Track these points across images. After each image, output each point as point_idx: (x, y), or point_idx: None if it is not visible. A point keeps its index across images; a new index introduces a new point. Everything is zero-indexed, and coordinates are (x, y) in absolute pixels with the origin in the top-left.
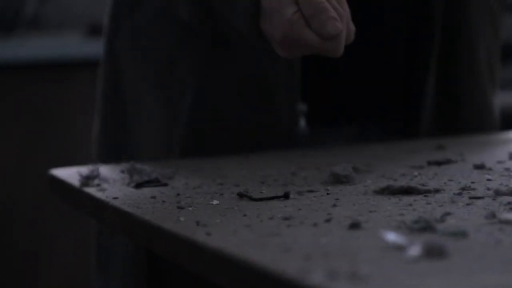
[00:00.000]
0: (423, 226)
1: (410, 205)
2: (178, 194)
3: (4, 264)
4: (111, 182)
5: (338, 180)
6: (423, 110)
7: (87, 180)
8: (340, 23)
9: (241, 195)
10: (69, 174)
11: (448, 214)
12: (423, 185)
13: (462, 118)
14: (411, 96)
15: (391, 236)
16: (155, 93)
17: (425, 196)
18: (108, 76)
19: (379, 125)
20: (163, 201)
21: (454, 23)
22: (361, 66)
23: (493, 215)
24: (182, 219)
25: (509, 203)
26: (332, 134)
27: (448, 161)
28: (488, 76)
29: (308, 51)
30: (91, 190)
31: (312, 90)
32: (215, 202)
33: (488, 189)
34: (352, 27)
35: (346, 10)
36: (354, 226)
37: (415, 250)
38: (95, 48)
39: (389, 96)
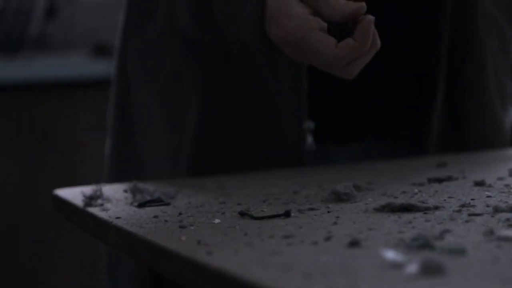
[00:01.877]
0: (422, 244)
1: (410, 222)
2: (180, 213)
3: (7, 283)
4: (114, 201)
5: (339, 198)
6: (431, 128)
7: (90, 200)
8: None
9: (242, 214)
10: (73, 194)
11: (447, 231)
12: (423, 202)
13: (471, 136)
14: (419, 114)
15: (390, 254)
16: (161, 111)
17: (425, 213)
18: (119, 95)
19: (386, 143)
20: (165, 221)
21: (462, 40)
22: (369, 84)
23: (491, 232)
24: (183, 238)
25: (507, 219)
26: (339, 152)
27: (448, 178)
28: (498, 93)
29: (312, 57)
30: (94, 210)
31: (319, 107)
32: (216, 221)
33: (488, 206)
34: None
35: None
36: (354, 244)
37: (413, 268)
38: (100, 67)
39: (396, 114)
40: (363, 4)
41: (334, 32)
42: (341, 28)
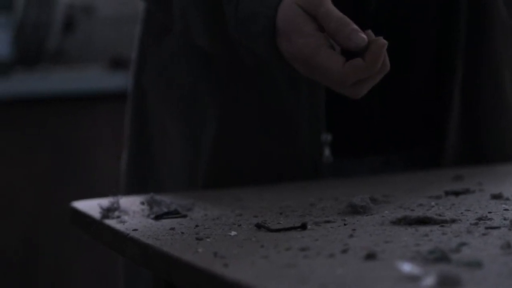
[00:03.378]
0: (439, 257)
1: (426, 235)
2: (196, 226)
3: None
4: (131, 214)
5: (356, 210)
6: (448, 141)
7: (107, 212)
8: (364, 34)
9: (259, 226)
10: (90, 206)
11: (463, 244)
12: (439, 215)
13: (487, 148)
14: (435, 127)
15: (406, 267)
16: (178, 125)
17: (442, 226)
18: (135, 109)
19: (403, 156)
20: (182, 233)
21: (478, 52)
22: (386, 97)
23: (508, 245)
24: (200, 250)
25: None
26: (356, 165)
27: (465, 191)
28: None
29: (319, 75)
30: (111, 222)
31: (337, 120)
32: (233, 233)
33: (505, 219)
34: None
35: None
36: (370, 256)
37: (430, 281)
38: (117, 81)
39: (413, 127)
40: (381, 40)
41: (344, 51)
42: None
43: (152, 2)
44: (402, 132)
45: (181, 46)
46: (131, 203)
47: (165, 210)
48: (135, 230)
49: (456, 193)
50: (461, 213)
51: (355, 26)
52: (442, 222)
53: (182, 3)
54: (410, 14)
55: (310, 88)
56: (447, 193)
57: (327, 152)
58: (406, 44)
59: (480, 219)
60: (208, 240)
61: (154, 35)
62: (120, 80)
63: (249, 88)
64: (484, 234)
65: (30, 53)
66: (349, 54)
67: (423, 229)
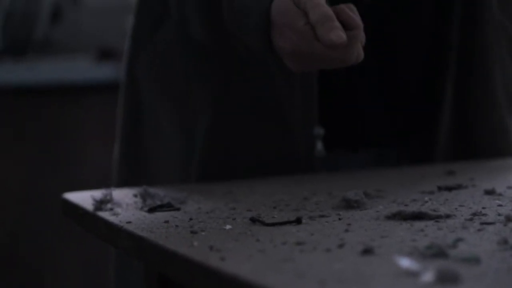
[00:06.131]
0: (436, 252)
1: (422, 230)
2: (191, 219)
3: (12, 286)
4: (124, 206)
5: (350, 205)
6: (439, 135)
7: (100, 204)
8: (344, 33)
9: (253, 220)
10: (82, 198)
11: (460, 239)
12: (434, 210)
13: (478, 144)
14: (427, 122)
15: (405, 262)
16: (171, 117)
17: (437, 221)
18: (128, 100)
19: (395, 150)
20: (176, 226)
21: (470, 48)
22: (379, 92)
23: (505, 241)
24: (195, 244)
25: None
26: (349, 159)
27: (458, 187)
28: (505, 100)
29: (318, 63)
30: (104, 215)
31: (329, 114)
32: (228, 227)
33: (499, 214)
34: (363, 37)
35: (359, 21)
36: (367, 251)
37: (428, 276)
38: (104, 71)
39: (405, 121)
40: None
41: None
42: None
43: None
44: (394, 126)
45: (175, 38)
46: (124, 195)
47: (159, 203)
48: (129, 222)
49: (449, 189)
50: (455, 208)
51: (337, 24)
52: (437, 218)
53: None
54: (403, 11)
55: (303, 82)
56: (440, 188)
57: (319, 145)
58: (399, 41)
59: (474, 214)
60: (203, 233)
61: (148, 27)
62: (108, 71)
63: (242, 81)
64: (479, 230)
65: (17, 43)
66: None
67: (418, 224)
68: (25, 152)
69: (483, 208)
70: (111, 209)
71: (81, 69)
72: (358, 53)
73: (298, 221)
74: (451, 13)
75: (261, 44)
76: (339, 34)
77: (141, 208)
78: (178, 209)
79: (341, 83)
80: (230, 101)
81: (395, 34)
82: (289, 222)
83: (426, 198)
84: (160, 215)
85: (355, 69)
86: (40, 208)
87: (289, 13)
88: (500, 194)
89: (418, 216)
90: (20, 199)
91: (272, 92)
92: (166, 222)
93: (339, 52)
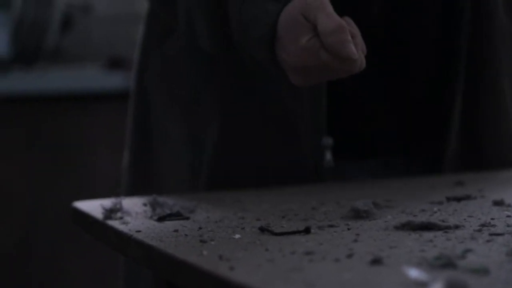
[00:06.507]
0: (445, 263)
1: (431, 241)
2: (200, 228)
3: None
4: (133, 215)
5: (358, 215)
6: (448, 146)
7: (110, 213)
8: (355, 48)
9: (262, 230)
10: (92, 207)
11: (468, 250)
12: (443, 221)
13: (487, 154)
14: (436, 132)
15: (414, 272)
16: (181, 127)
17: (445, 232)
18: (137, 109)
19: (403, 160)
20: (186, 235)
21: (479, 58)
22: (387, 102)
23: None
24: (205, 253)
25: None
26: (357, 168)
27: (467, 197)
28: None
29: (323, 74)
30: (114, 223)
31: (338, 124)
32: (237, 236)
33: (508, 225)
34: (365, 48)
35: (357, 30)
36: (376, 261)
37: (437, 287)
38: (115, 80)
39: (414, 131)
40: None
41: None
42: None
43: (157, 2)
44: (403, 135)
45: (184, 48)
46: (133, 204)
47: (168, 211)
48: (138, 231)
49: (458, 199)
50: (464, 219)
51: (350, 37)
52: (445, 228)
53: (186, 3)
54: (412, 19)
55: (312, 93)
56: (448, 199)
57: (328, 156)
58: (408, 49)
59: (483, 225)
60: (212, 242)
61: (157, 36)
62: (118, 79)
63: (250, 91)
64: (488, 241)
65: (28, 51)
66: None
67: (427, 234)
68: (34, 160)
69: (492, 219)
70: (121, 218)
71: (91, 77)
72: (361, 61)
73: (307, 230)
74: (459, 22)
75: (264, 56)
76: (352, 49)
77: (151, 217)
78: (187, 218)
79: (349, 92)
80: (238, 112)
81: (403, 43)
82: (298, 232)
83: (435, 209)
84: (169, 224)
85: (363, 77)
86: (49, 216)
87: (295, 26)
88: (509, 205)
89: (427, 227)
90: (29, 207)
91: (280, 102)
92: (176, 231)
93: (346, 63)
